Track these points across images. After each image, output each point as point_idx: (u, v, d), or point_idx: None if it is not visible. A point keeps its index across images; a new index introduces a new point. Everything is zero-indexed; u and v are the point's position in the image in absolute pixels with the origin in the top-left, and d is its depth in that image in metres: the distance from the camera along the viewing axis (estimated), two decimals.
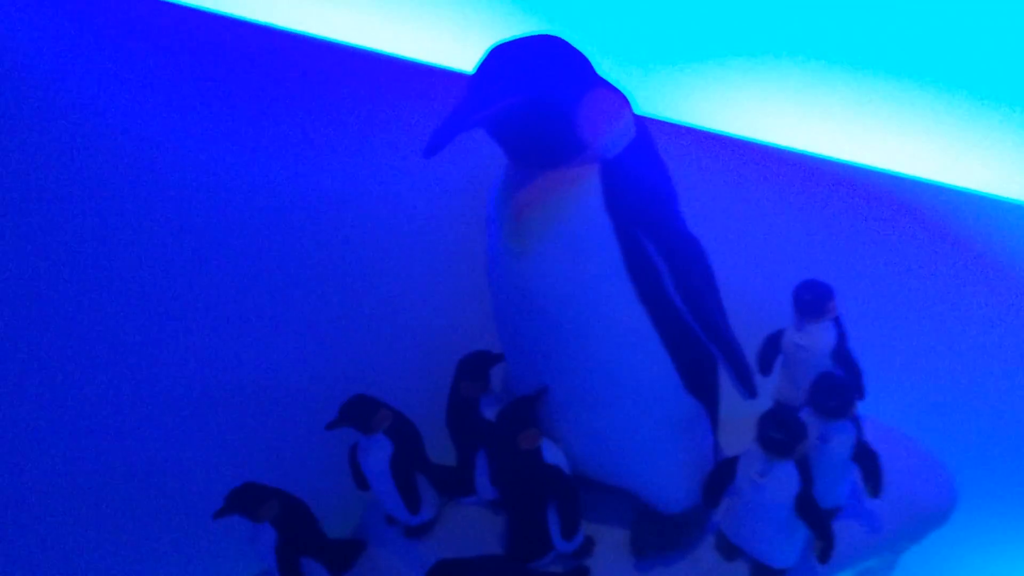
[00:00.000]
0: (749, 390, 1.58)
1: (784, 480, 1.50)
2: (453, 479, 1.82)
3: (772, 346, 1.85)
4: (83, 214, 1.71)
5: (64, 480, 1.90)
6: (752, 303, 1.92)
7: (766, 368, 1.87)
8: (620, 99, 1.49)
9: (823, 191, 2.06)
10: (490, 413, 1.72)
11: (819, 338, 1.79)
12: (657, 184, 1.54)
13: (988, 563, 2.27)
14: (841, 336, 1.82)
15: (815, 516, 1.51)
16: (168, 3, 1.74)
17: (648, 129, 1.54)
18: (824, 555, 1.54)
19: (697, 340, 1.57)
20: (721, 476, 1.61)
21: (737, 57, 1.96)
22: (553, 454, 1.59)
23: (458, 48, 1.81)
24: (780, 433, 1.48)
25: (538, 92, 1.40)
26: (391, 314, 1.97)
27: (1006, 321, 2.17)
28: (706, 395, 1.66)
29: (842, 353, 1.81)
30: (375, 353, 1.98)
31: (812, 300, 1.79)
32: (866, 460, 1.63)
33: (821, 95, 1.98)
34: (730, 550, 1.65)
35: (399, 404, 1.75)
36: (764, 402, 1.66)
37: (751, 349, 1.78)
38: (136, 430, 1.90)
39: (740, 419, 1.75)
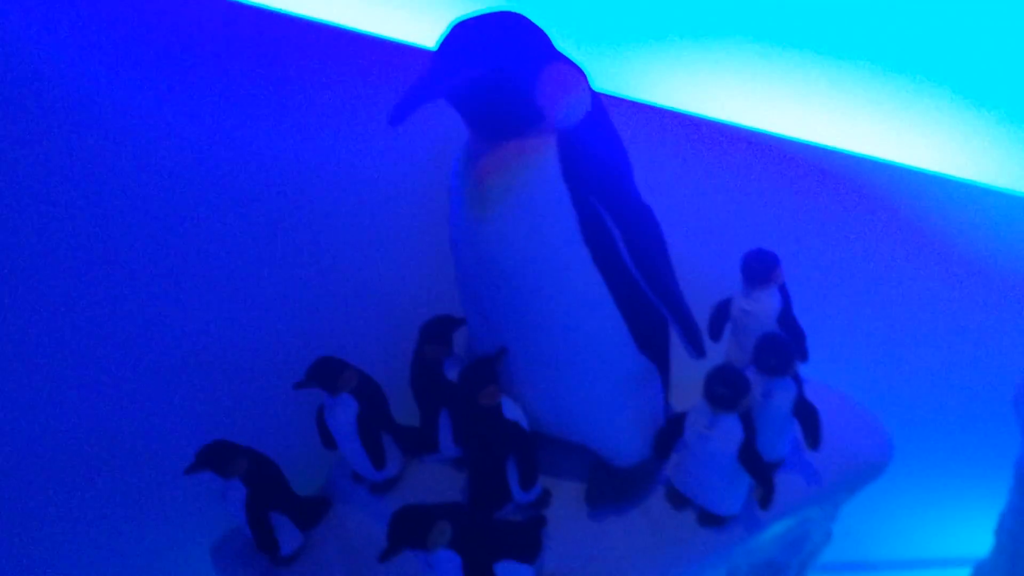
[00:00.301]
0: (697, 350, 1.68)
1: (728, 432, 1.60)
2: (417, 438, 1.90)
3: (722, 312, 1.94)
4: (50, 184, 1.73)
5: (37, 443, 1.93)
6: (703, 271, 2.01)
7: (716, 333, 1.96)
8: (577, 73, 1.56)
9: (770, 165, 2.15)
10: (453, 375, 1.79)
11: (765, 304, 1.89)
12: (612, 155, 1.62)
13: (922, 514, 2.41)
14: (786, 302, 1.92)
15: (757, 466, 1.61)
16: None
17: (604, 104, 1.61)
18: (764, 502, 1.64)
19: (649, 303, 1.65)
20: (671, 430, 1.71)
21: (691, 37, 2.04)
22: (512, 411, 1.67)
23: (422, 25, 1.86)
24: (724, 388, 1.58)
25: (498, 65, 1.47)
26: (358, 280, 2.03)
27: (940, 289, 2.30)
28: (657, 355, 1.75)
29: (787, 318, 1.91)
30: (342, 317, 2.04)
31: (759, 268, 1.89)
32: (806, 415, 1.73)
33: (771, 73, 2.07)
34: (679, 500, 1.75)
35: (365, 366, 1.81)
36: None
37: (703, 315, 1.88)
38: (109, 392, 1.94)
39: (694, 381, 1.84)
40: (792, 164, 2.15)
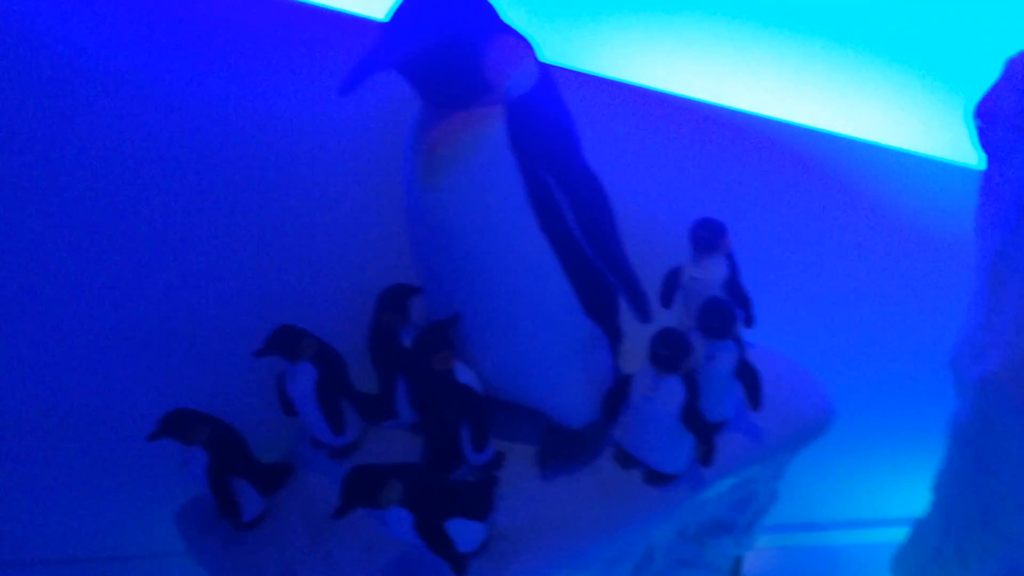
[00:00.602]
0: (643, 314, 1.74)
1: (671, 393, 1.66)
2: (376, 404, 1.95)
3: (672, 279, 1.99)
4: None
5: None
6: (655, 240, 2.07)
7: (667, 300, 2.01)
8: (524, 44, 1.59)
9: (719, 136, 2.21)
10: (410, 342, 1.84)
11: (713, 271, 1.95)
12: (559, 125, 1.66)
13: (866, 475, 2.49)
14: (733, 269, 1.99)
15: (699, 425, 1.67)
16: None
17: (552, 74, 1.65)
18: (705, 459, 1.71)
19: (596, 269, 1.71)
20: (618, 392, 1.76)
21: (640, 9, 2.08)
22: (465, 375, 1.72)
23: None
24: (667, 351, 1.64)
25: (446, 36, 1.50)
26: (316, 250, 2.06)
27: (880, 256, 2.37)
28: (605, 319, 1.81)
29: (734, 285, 1.97)
30: (302, 286, 2.07)
31: (707, 236, 1.94)
32: (748, 377, 1.80)
33: (717, 45, 2.12)
34: (626, 459, 1.81)
35: (325, 335, 1.85)
36: None
37: (655, 284, 1.94)
38: (71, 362, 1.96)
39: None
40: (739, 135, 2.20)
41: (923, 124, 2.21)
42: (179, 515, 1.92)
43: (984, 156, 1.86)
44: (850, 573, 2.48)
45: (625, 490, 1.76)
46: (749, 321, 2.00)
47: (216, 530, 1.84)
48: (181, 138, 1.84)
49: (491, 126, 1.56)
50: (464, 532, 1.57)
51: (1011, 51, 1.78)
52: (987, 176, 1.85)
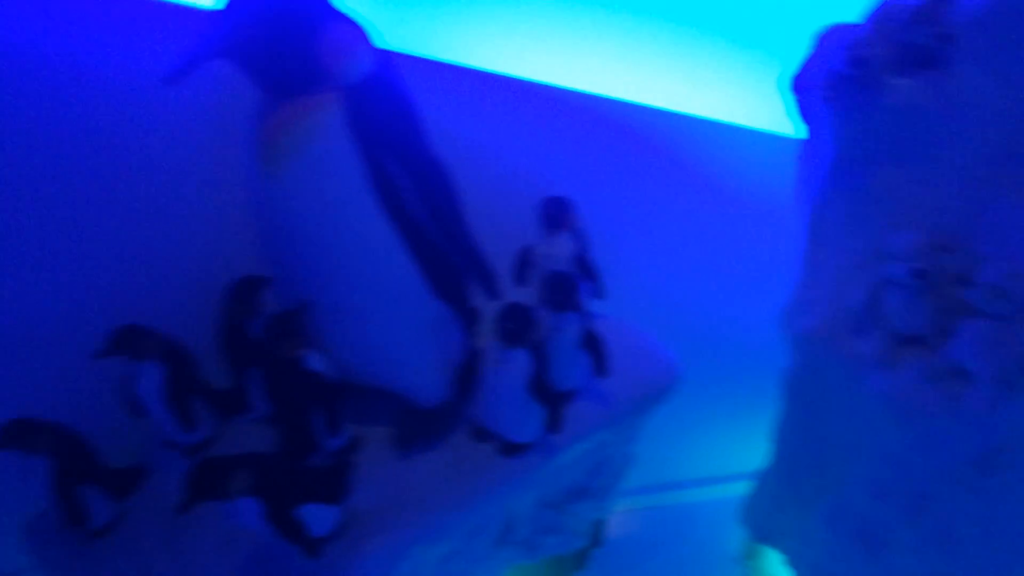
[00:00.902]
0: (492, 293, 1.79)
1: (519, 365, 1.71)
2: (229, 399, 1.92)
3: (524, 258, 2.06)
4: None
5: None
6: (505, 221, 2.12)
7: (520, 278, 2.07)
8: (358, 30, 1.60)
9: (567, 118, 2.28)
10: (260, 333, 1.83)
11: (562, 247, 2.03)
12: (400, 110, 1.68)
13: (715, 433, 2.64)
14: (581, 244, 2.07)
15: (547, 394, 1.73)
16: None
17: (392, 60, 1.66)
18: (554, 426, 1.78)
19: (442, 251, 1.74)
20: (468, 368, 1.81)
21: None
22: (316, 361, 1.72)
23: None
24: (513, 324, 1.69)
25: (277, 22, 1.50)
26: (161, 244, 2.00)
27: (716, 225, 2.51)
28: (453, 300, 1.85)
29: (582, 259, 2.05)
30: (149, 283, 2.01)
31: (554, 214, 2.02)
32: (594, 346, 1.88)
33: (558, 27, 2.18)
34: (481, 433, 1.86)
35: (175, 331, 1.81)
36: None
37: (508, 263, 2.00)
38: None
39: None
40: (588, 116, 2.28)
41: (749, 98, 2.35)
42: (27, 528, 1.83)
43: (801, 127, 2.00)
44: (705, 528, 2.62)
45: (480, 463, 1.81)
46: (599, 293, 2.09)
47: (65, 541, 1.77)
48: (15, 132, 1.75)
49: (328, 113, 1.57)
50: (318, 517, 1.57)
51: (822, 24, 1.91)
52: (803, 145, 1.99)
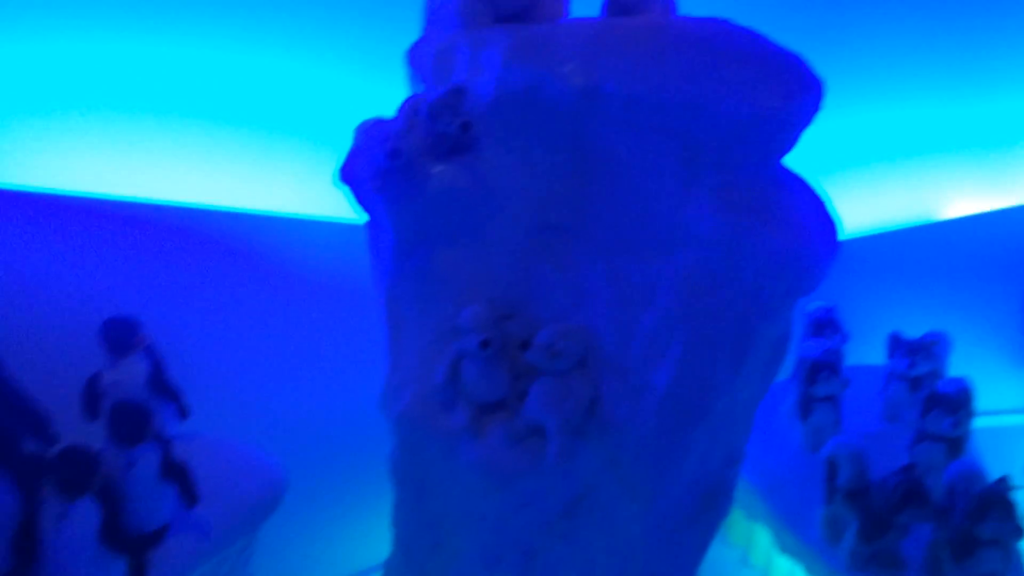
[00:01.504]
0: (44, 437, 1.57)
1: (85, 516, 1.51)
2: None
3: (93, 388, 1.83)
4: None
5: None
6: (67, 350, 1.89)
7: (93, 411, 1.84)
8: None
9: (126, 230, 2.11)
10: None
11: (133, 370, 1.85)
12: None
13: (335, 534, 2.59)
14: (156, 363, 1.90)
15: (122, 541, 1.54)
16: None
17: None
18: (137, 573, 1.58)
19: None
20: (24, 534, 1.53)
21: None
22: None
23: None
24: (68, 471, 1.48)
25: None
26: None
27: (309, 319, 2.49)
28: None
29: (159, 380, 1.89)
30: None
31: (118, 336, 1.84)
32: (178, 475, 1.72)
33: (102, 137, 2.03)
34: None
35: None
36: None
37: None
38: None
39: None
40: (142, 225, 2.13)
41: (319, 189, 2.36)
42: None
43: (361, 214, 2.06)
44: None
45: None
46: (183, 413, 1.94)
47: None
48: None
49: None
50: None
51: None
52: (368, 231, 2.05)
